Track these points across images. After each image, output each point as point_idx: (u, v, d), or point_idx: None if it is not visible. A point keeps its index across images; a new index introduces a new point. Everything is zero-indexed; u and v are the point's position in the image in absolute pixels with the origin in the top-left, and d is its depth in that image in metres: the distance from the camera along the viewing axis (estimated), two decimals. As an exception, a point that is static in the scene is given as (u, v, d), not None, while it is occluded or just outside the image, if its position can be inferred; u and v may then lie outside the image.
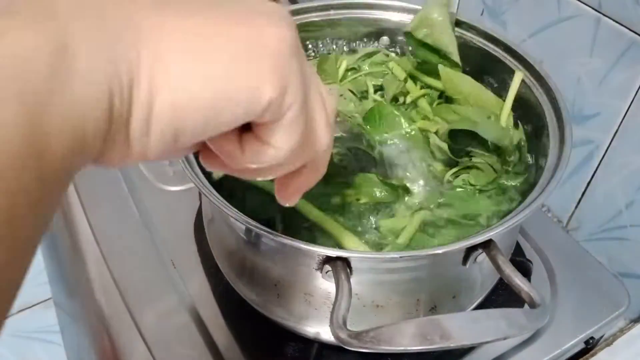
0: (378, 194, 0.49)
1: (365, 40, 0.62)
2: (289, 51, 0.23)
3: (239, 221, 0.40)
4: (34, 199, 0.17)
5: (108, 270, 0.55)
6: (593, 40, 0.59)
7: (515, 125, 0.54)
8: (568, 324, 0.53)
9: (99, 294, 0.55)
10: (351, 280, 0.38)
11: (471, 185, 0.51)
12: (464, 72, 0.56)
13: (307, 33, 0.61)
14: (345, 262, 0.38)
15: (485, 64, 0.56)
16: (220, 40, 0.22)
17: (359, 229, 0.47)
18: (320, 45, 0.62)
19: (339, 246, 0.45)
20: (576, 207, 0.67)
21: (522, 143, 0.53)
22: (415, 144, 0.55)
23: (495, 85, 0.57)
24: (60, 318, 0.98)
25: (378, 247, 0.46)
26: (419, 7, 0.58)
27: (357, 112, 0.57)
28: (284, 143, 0.25)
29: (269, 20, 0.23)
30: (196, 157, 0.45)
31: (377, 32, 0.62)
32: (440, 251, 0.39)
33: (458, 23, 0.57)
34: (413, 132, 0.55)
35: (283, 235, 0.40)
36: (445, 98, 0.58)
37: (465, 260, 0.41)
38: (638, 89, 0.56)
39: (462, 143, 0.52)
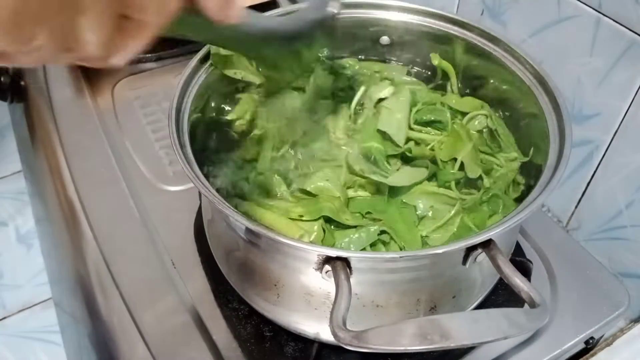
0: None
1: (365, 40, 0.62)
2: None
3: (239, 221, 0.40)
4: None
5: (108, 270, 0.55)
6: (593, 40, 0.59)
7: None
8: (568, 324, 0.53)
9: (99, 294, 0.55)
10: (351, 280, 0.38)
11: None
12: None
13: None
14: (345, 262, 0.38)
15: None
16: None
17: None
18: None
19: None
20: (576, 207, 0.67)
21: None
22: None
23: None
24: (60, 318, 0.98)
25: None
26: (419, 7, 0.58)
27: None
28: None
29: None
30: (195, 156, 0.45)
31: (377, 32, 0.62)
32: (440, 251, 0.39)
33: (458, 23, 0.57)
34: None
35: (283, 235, 0.40)
36: None
37: (465, 260, 0.41)
38: (638, 89, 0.56)
39: None
